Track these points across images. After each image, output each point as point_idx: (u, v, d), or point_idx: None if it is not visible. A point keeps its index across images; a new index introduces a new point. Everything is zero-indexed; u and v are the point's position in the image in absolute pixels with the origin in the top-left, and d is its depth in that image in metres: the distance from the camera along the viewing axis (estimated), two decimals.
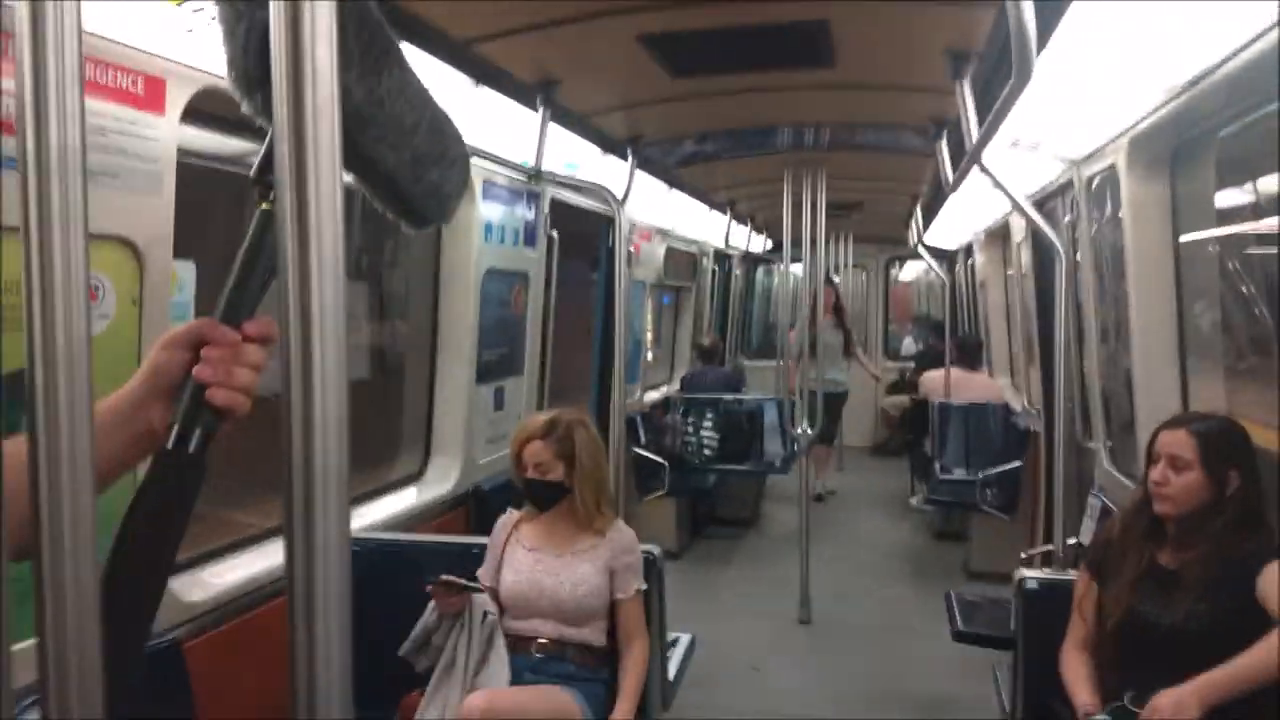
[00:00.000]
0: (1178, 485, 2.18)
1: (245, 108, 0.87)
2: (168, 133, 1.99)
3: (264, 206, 0.87)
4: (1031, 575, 2.65)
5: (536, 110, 3.20)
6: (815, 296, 5.88)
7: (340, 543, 0.49)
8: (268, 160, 0.86)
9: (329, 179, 0.51)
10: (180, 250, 2.16)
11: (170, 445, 0.86)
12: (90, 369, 0.55)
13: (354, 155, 0.88)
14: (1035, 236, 4.62)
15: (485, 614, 2.48)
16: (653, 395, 7.19)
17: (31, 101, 0.51)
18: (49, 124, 0.51)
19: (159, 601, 0.89)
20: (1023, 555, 3.19)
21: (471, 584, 2.49)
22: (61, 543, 0.53)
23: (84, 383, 0.55)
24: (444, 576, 2.44)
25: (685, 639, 3.32)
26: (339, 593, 0.50)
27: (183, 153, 2.09)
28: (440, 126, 0.97)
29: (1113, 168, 3.29)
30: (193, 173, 2.28)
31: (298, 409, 0.50)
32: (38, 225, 0.52)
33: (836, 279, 8.51)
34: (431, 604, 2.48)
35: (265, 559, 2.54)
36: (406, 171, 0.93)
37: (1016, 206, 2.99)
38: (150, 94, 1.92)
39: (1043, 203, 4.34)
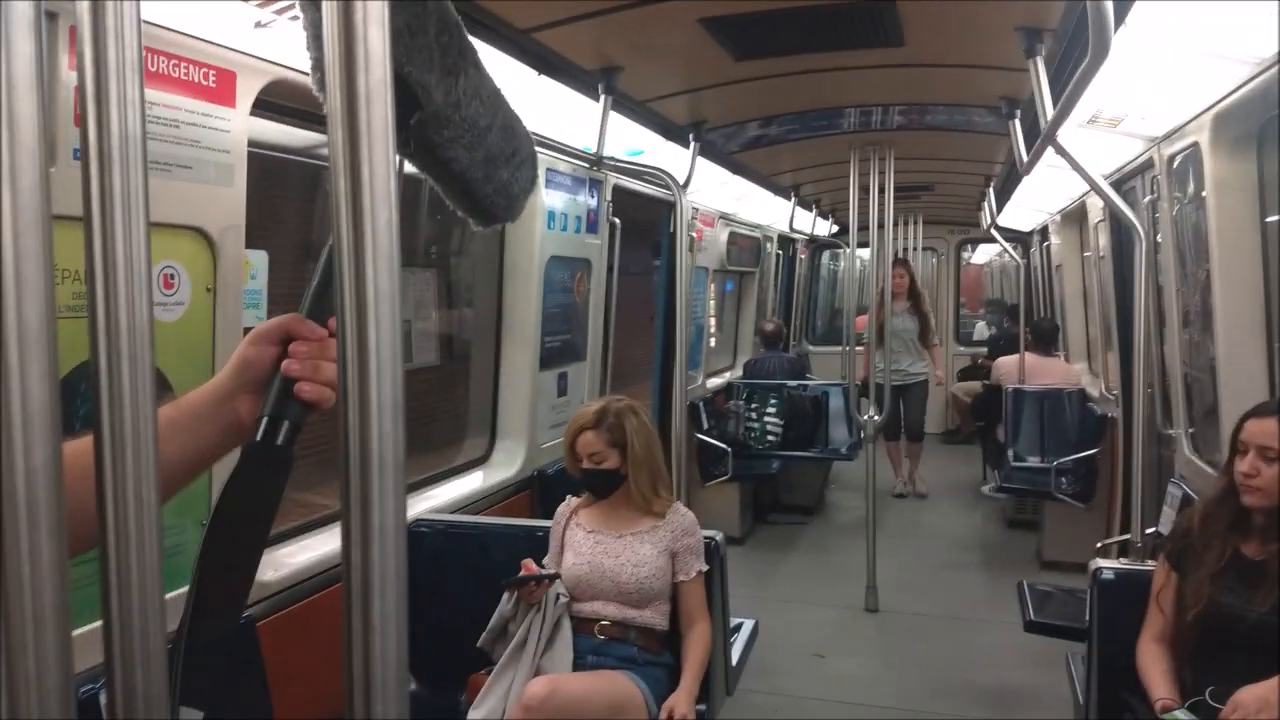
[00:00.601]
0: (1269, 476, 2.10)
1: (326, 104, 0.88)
2: (239, 124, 2.03)
3: None
4: (1108, 565, 2.59)
5: (598, 98, 3.20)
6: (884, 281, 5.73)
7: (396, 527, 0.50)
8: None
9: (382, 165, 0.51)
10: (252, 240, 2.21)
11: (258, 438, 0.88)
12: (153, 357, 0.56)
13: (430, 155, 0.90)
14: (1113, 218, 4.48)
15: (559, 596, 2.51)
16: (715, 381, 7.16)
17: (93, 92, 0.51)
18: (110, 114, 0.52)
19: (249, 590, 0.91)
20: (1098, 545, 3.10)
21: (548, 572, 2.52)
22: (127, 530, 0.54)
23: (147, 371, 0.56)
24: (520, 575, 2.47)
25: (748, 624, 3.31)
26: (395, 577, 0.50)
27: (253, 144, 2.14)
28: (511, 126, 0.99)
29: (1195, 146, 3.17)
30: (263, 163, 2.33)
31: (354, 394, 0.50)
32: (100, 214, 0.52)
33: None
34: (507, 595, 2.51)
35: (336, 540, 2.59)
36: (479, 171, 0.94)
37: (1093, 187, 2.90)
38: (221, 86, 1.97)
39: (1121, 183, 4.20)
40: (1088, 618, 2.59)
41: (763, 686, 3.83)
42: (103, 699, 0.58)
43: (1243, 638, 2.05)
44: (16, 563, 0.42)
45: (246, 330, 2.20)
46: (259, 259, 2.26)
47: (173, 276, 1.94)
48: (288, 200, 3.40)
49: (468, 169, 0.93)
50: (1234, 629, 2.07)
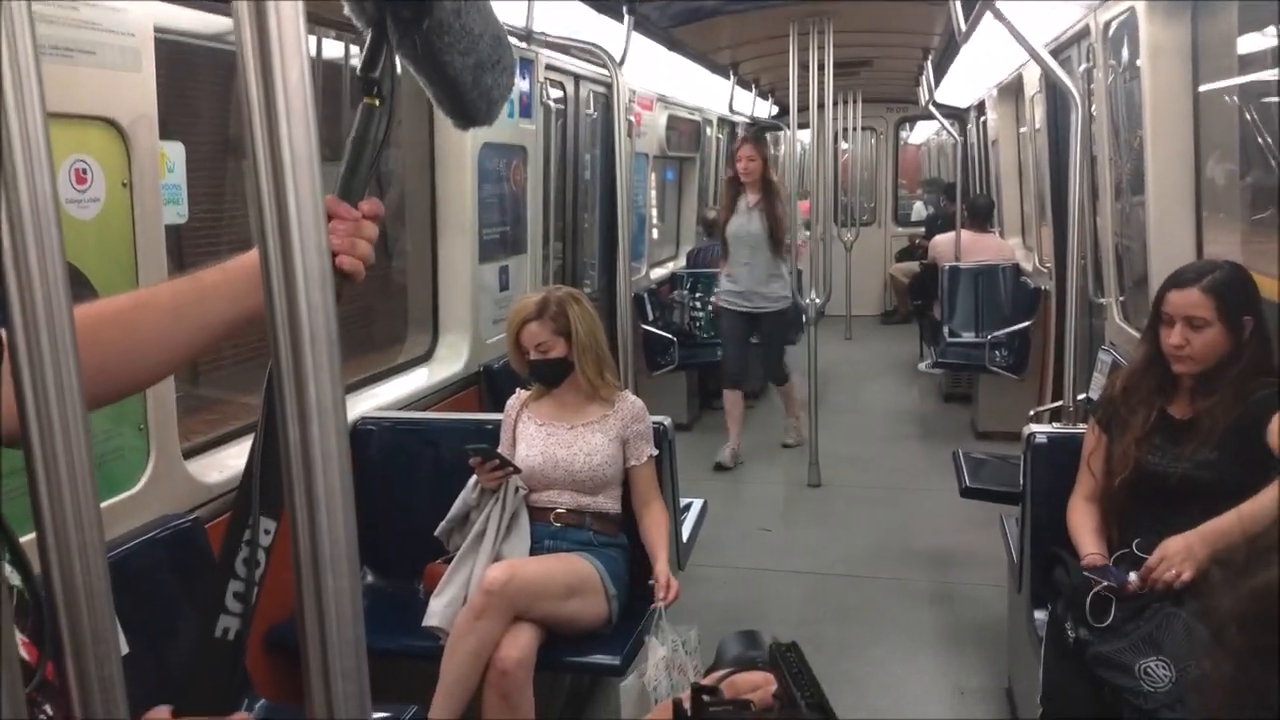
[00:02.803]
0: (1199, 345, 2.15)
1: (352, 14, 0.95)
2: (141, 6, 1.90)
3: (367, 101, 0.97)
4: (1040, 430, 2.68)
5: None
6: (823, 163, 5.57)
7: (334, 403, 0.48)
8: (369, 60, 0.95)
9: (291, 25, 0.47)
10: (167, 134, 2.10)
11: None
12: (61, 248, 0.52)
13: (429, 59, 0.98)
14: (1050, 89, 4.47)
15: (518, 488, 2.53)
16: (659, 272, 7.14)
17: None
18: None
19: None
20: (1032, 412, 3.20)
21: (510, 462, 2.53)
22: (52, 431, 0.51)
23: (58, 264, 0.52)
24: (485, 446, 2.48)
25: (697, 503, 3.39)
26: (338, 454, 0.48)
27: (160, 30, 2.01)
28: (499, 35, 1.06)
29: (1132, 11, 3.15)
30: (172, 51, 2.20)
31: (276, 267, 0.47)
32: None
33: (762, 136, 6.65)
34: (472, 481, 2.53)
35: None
36: (468, 76, 1.02)
37: (1031, 53, 2.88)
38: None
39: (1057, 52, 4.18)
40: (1021, 481, 2.69)
41: (712, 561, 3.95)
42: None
43: (1169, 494, 2.15)
44: None
45: (168, 228, 2.12)
46: (176, 151, 2.15)
47: (85, 171, 1.84)
48: (201, 90, 3.22)
49: (460, 73, 1.01)
50: (1160, 486, 2.17)
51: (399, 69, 1.02)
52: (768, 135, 10.85)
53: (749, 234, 5.15)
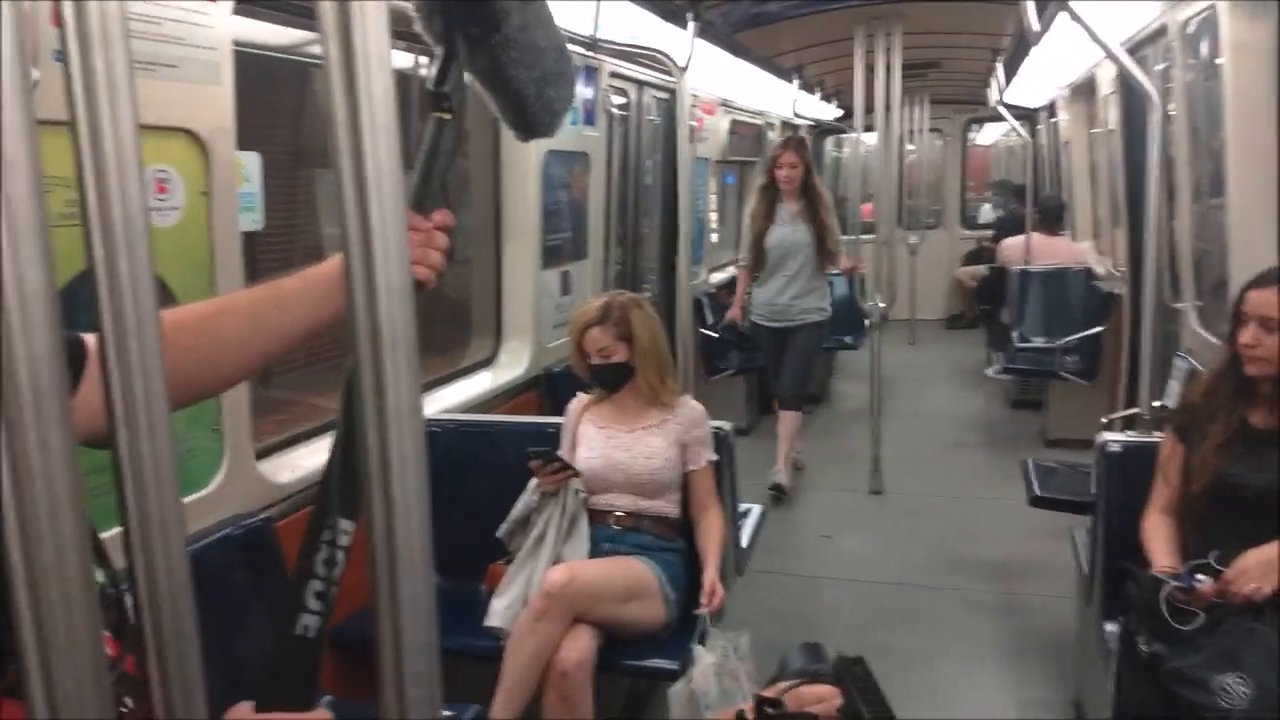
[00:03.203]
0: (1270, 346, 2.09)
1: (423, 31, 0.98)
2: (222, 20, 1.96)
3: (437, 115, 1.00)
4: (1114, 438, 2.61)
5: None
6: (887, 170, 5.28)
7: (412, 410, 0.49)
8: (440, 75, 0.98)
9: (376, 35, 0.48)
10: (243, 143, 2.16)
11: None
12: (149, 257, 0.54)
13: (495, 73, 1.01)
14: (1125, 88, 4.36)
15: (577, 491, 2.55)
16: (719, 276, 7.12)
17: None
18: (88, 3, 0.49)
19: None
20: (1105, 419, 3.12)
21: (571, 465, 2.55)
22: (138, 433, 0.53)
23: (146, 271, 0.54)
24: (545, 449, 2.51)
25: (756, 509, 3.37)
26: (414, 458, 0.50)
27: (239, 44, 2.07)
28: (561, 48, 1.08)
29: (1212, 8, 3.05)
30: (249, 63, 2.26)
31: (359, 278, 0.49)
32: (85, 109, 0.50)
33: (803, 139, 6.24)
34: (533, 483, 2.55)
35: None
36: (532, 89, 1.03)
37: (1108, 53, 2.81)
38: None
39: (1133, 51, 4.07)
40: (1093, 490, 2.63)
41: (772, 567, 3.93)
42: (129, 602, 0.59)
43: (1248, 505, 2.08)
44: (27, 452, 0.41)
45: (244, 235, 2.18)
46: (252, 161, 2.21)
47: (166, 181, 1.91)
48: (277, 101, 3.31)
49: (524, 87, 1.02)
50: (1239, 497, 2.10)
51: (467, 83, 1.04)
52: (831, 137, 10.79)
53: (794, 244, 4.83)
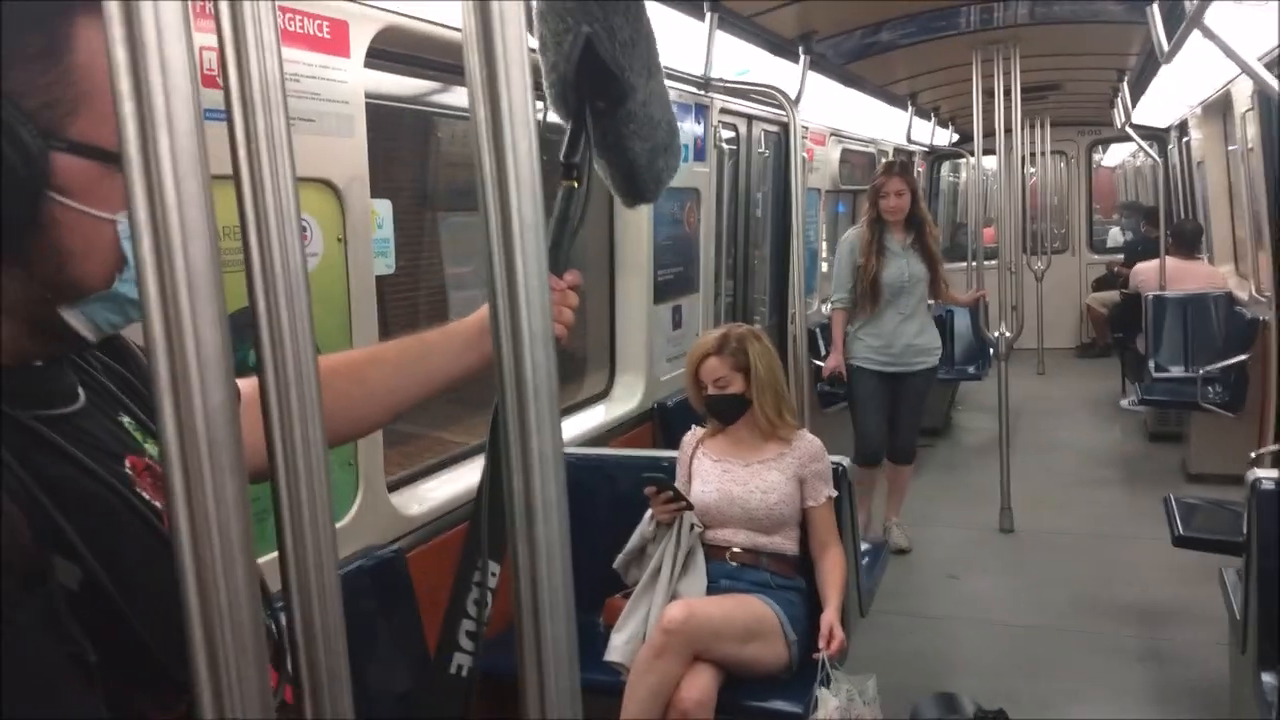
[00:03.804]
0: None
1: (554, 106, 1.04)
2: (354, 75, 2.07)
3: (566, 183, 1.04)
4: (1266, 474, 2.45)
5: (703, 18, 3.12)
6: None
7: (555, 454, 0.50)
8: (571, 145, 1.03)
9: (520, 82, 0.50)
10: (375, 190, 2.26)
11: None
12: (309, 304, 0.57)
13: (614, 144, 1.06)
14: (1265, 104, 4.13)
15: (693, 525, 2.54)
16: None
17: (231, 38, 0.52)
18: (249, 60, 0.53)
19: None
20: (1254, 454, 2.93)
21: (684, 495, 2.55)
22: (296, 466, 0.56)
23: (305, 314, 0.57)
24: (659, 475, 2.52)
25: (880, 548, 3.29)
26: (558, 501, 0.51)
27: (369, 95, 2.18)
28: (672, 121, 1.13)
29: None
30: (378, 113, 2.37)
31: (505, 326, 0.50)
32: (248, 163, 0.54)
33: (910, 164, 6.12)
34: (648, 515, 2.56)
35: (473, 474, 2.69)
36: (644, 159, 1.08)
37: (1246, 69, 2.67)
38: (335, 37, 2.00)
39: (1271, 66, 3.85)
40: (1245, 530, 2.47)
41: (896, 608, 3.81)
42: (284, 621, 0.62)
43: None
44: (203, 501, 0.44)
45: (377, 278, 2.28)
46: (384, 208, 2.31)
47: (305, 229, 2.01)
48: (403, 149, 3.46)
49: (637, 157, 1.07)
50: None
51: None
52: (948, 162, 10.56)
53: (910, 278, 4.37)
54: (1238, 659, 2.61)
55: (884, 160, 7.86)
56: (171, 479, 0.44)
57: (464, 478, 2.67)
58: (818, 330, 6.11)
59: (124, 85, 0.45)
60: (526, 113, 0.48)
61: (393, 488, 2.41)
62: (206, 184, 0.46)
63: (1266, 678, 2.21)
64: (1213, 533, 3.10)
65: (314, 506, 0.56)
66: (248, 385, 0.70)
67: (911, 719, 0.87)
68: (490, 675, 1.03)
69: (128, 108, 0.45)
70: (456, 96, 2.96)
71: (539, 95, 1.02)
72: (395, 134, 3.16)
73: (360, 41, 2.07)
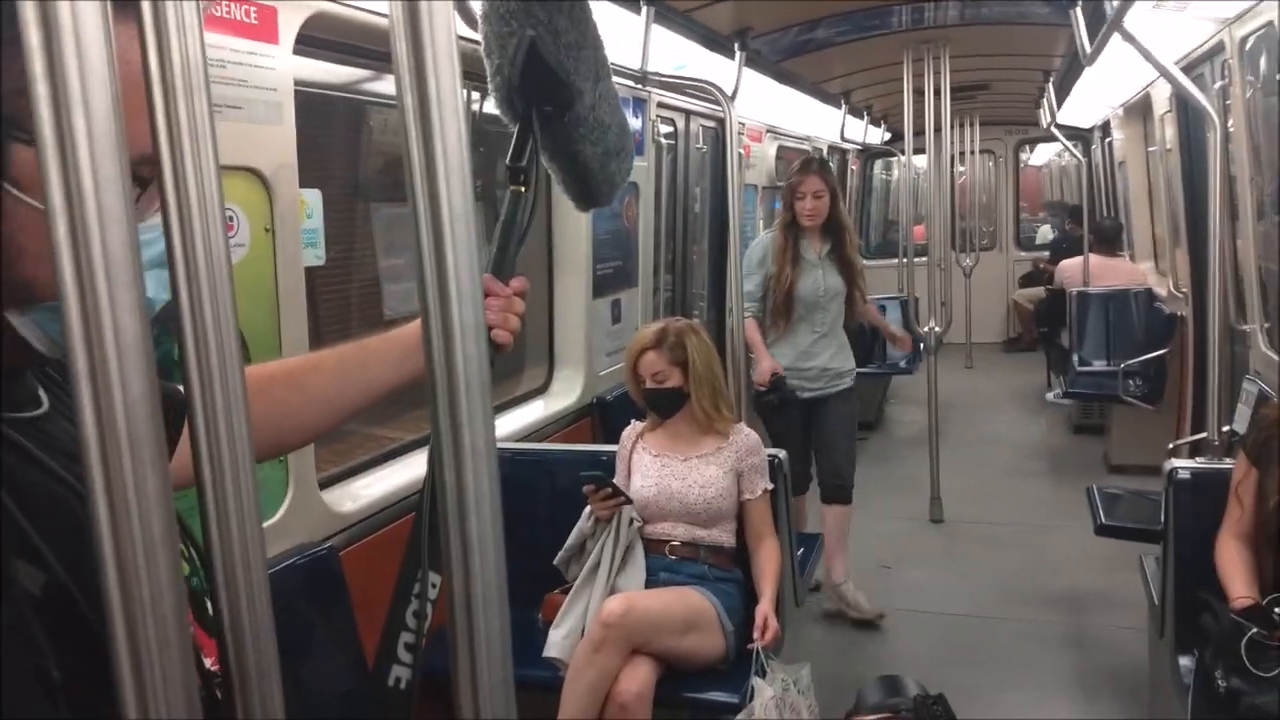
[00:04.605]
0: None
1: (502, 110, 1.04)
2: (283, 62, 2.02)
3: (514, 188, 1.05)
4: (1183, 464, 2.54)
5: (639, 10, 3.12)
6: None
7: (487, 447, 0.50)
8: (517, 151, 1.03)
9: (448, 79, 0.49)
10: (304, 180, 2.21)
11: None
12: (233, 295, 0.56)
13: (565, 148, 1.06)
14: (1182, 107, 4.28)
15: (631, 520, 2.55)
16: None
17: (152, 24, 0.51)
18: (170, 46, 0.51)
19: None
20: (1172, 445, 3.04)
21: (622, 490, 2.55)
22: (221, 461, 0.55)
23: (229, 308, 0.56)
24: (597, 473, 2.52)
25: (813, 539, 3.33)
26: (490, 495, 0.50)
27: (298, 83, 2.13)
28: (623, 125, 1.14)
29: (1270, 25, 3.00)
30: (308, 102, 2.32)
31: (435, 319, 0.50)
32: (169, 149, 0.52)
33: (826, 162, 5.23)
34: (587, 511, 2.56)
35: (408, 470, 2.65)
36: (596, 163, 1.10)
37: (1164, 74, 2.76)
38: (263, 23, 1.95)
39: (1189, 69, 4.00)
40: (1163, 518, 2.55)
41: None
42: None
43: None
44: (124, 494, 0.43)
45: (307, 270, 2.23)
46: (314, 198, 2.27)
47: (231, 218, 1.96)
48: (335, 138, 3.39)
49: (589, 161, 1.09)
50: None
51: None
52: (880, 161, 10.73)
53: (827, 292, 3.81)
54: (1156, 643, 2.71)
55: (800, 159, 7.98)
56: (91, 472, 0.43)
57: (398, 474, 2.63)
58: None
59: (37, 66, 0.43)
60: (455, 101, 0.47)
61: (325, 485, 2.37)
62: (125, 169, 0.45)
63: (1183, 660, 2.29)
64: (1133, 521, 3.21)
65: (240, 499, 0.55)
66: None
67: (856, 703, 0.88)
68: (428, 676, 1.02)
69: (41, 89, 0.43)
70: (389, 85, 2.91)
71: (472, 85, 1.02)
72: (326, 123, 3.10)
73: (289, 28, 2.03)
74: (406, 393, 1.13)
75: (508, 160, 1.04)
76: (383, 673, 0.94)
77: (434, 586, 0.93)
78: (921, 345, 5.23)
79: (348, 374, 1.12)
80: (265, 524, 2.08)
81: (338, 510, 2.33)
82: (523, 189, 1.04)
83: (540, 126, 1.02)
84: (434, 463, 0.50)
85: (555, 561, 2.60)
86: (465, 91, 1.03)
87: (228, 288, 0.56)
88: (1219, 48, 3.57)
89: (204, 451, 0.55)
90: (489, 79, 1.02)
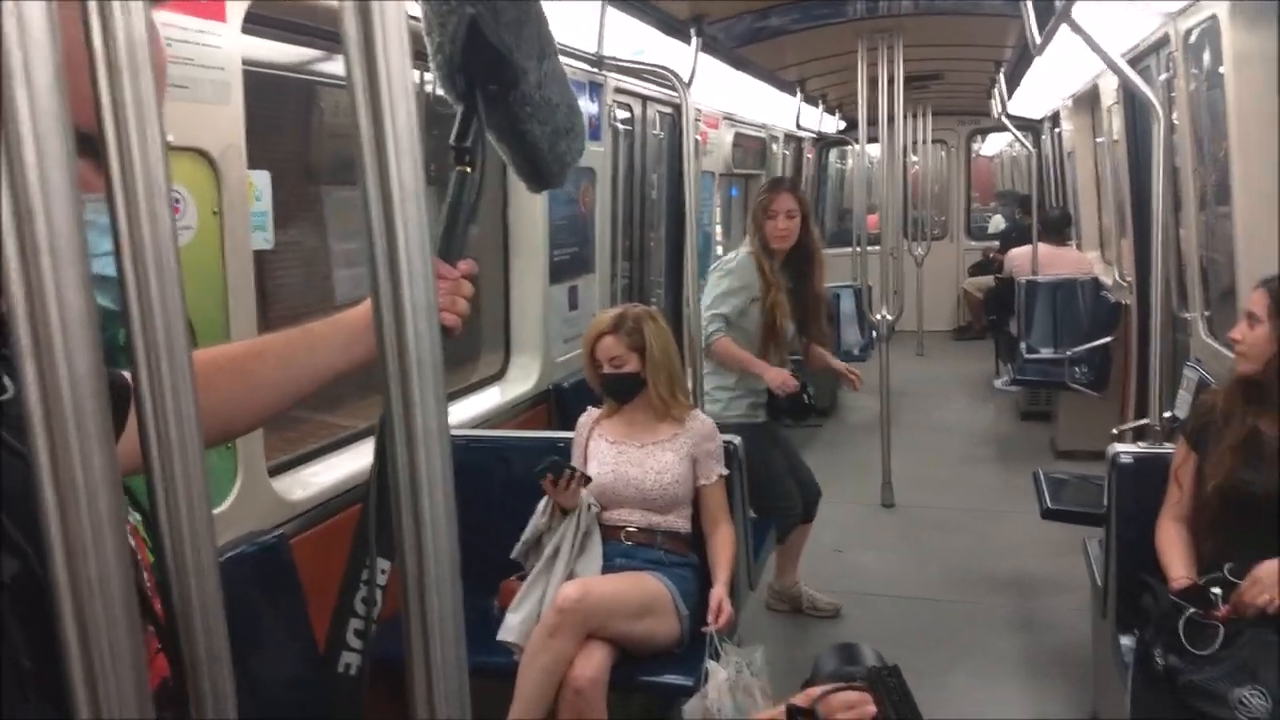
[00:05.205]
0: (1250, 341, 2.12)
1: (445, 89, 1.02)
2: (231, 40, 1.98)
3: (459, 169, 1.04)
4: (1126, 449, 2.60)
5: None
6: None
7: (440, 429, 0.50)
8: (462, 130, 1.02)
9: (398, 57, 0.49)
10: (253, 161, 2.18)
11: None
12: (179, 276, 0.55)
13: (511, 128, 1.05)
14: (1129, 99, 4.37)
15: (589, 505, 2.55)
16: None
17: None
18: (114, 23, 0.50)
19: None
20: (1115, 430, 3.11)
21: (577, 469, 2.55)
22: (169, 442, 0.54)
23: (175, 286, 0.55)
24: (553, 459, 2.52)
25: (768, 524, 3.36)
26: (442, 477, 0.50)
27: (247, 63, 2.09)
28: (573, 104, 1.13)
29: (1214, 19, 3.07)
30: (258, 82, 2.28)
31: (386, 298, 0.49)
32: (114, 126, 0.51)
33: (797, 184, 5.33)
34: (541, 505, 2.55)
35: (360, 458, 2.63)
36: (545, 143, 1.09)
37: (1110, 64, 2.82)
38: (210, 1, 1.91)
39: (1136, 62, 4.08)
40: (1106, 502, 2.62)
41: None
42: None
43: (1260, 513, 2.07)
44: (70, 470, 0.42)
45: (256, 254, 2.19)
46: (263, 180, 2.23)
47: (178, 200, 1.92)
48: (286, 120, 3.33)
49: (538, 141, 1.07)
50: (1251, 504, 2.09)
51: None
52: (834, 150, 10.81)
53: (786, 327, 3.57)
54: (1099, 623, 2.78)
55: (774, 145, 8.03)
56: (36, 450, 0.42)
57: (350, 462, 2.61)
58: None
59: None
60: (405, 78, 0.47)
61: (275, 472, 2.34)
62: (69, 143, 0.44)
63: (1124, 640, 2.35)
64: (1077, 505, 3.29)
65: (189, 484, 0.54)
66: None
67: (814, 670, 0.90)
68: (382, 661, 1.01)
69: None
70: (341, 65, 2.87)
71: (424, 66, 1.01)
72: (277, 104, 3.05)
73: (237, 6, 1.99)
74: (354, 378, 1.12)
75: (451, 140, 1.03)
76: (333, 660, 0.94)
77: (384, 573, 0.93)
78: (874, 332, 5.29)
79: (293, 359, 1.10)
80: (214, 512, 2.05)
81: (288, 498, 2.30)
82: (468, 170, 1.03)
83: (486, 106, 1.01)
84: (385, 444, 0.50)
85: (513, 554, 2.59)
86: (419, 73, 1.02)
87: (174, 270, 0.55)
88: (1164, 40, 3.65)
89: (152, 438, 0.54)
90: (430, 57, 1.00)
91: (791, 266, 3.59)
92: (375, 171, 0.48)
